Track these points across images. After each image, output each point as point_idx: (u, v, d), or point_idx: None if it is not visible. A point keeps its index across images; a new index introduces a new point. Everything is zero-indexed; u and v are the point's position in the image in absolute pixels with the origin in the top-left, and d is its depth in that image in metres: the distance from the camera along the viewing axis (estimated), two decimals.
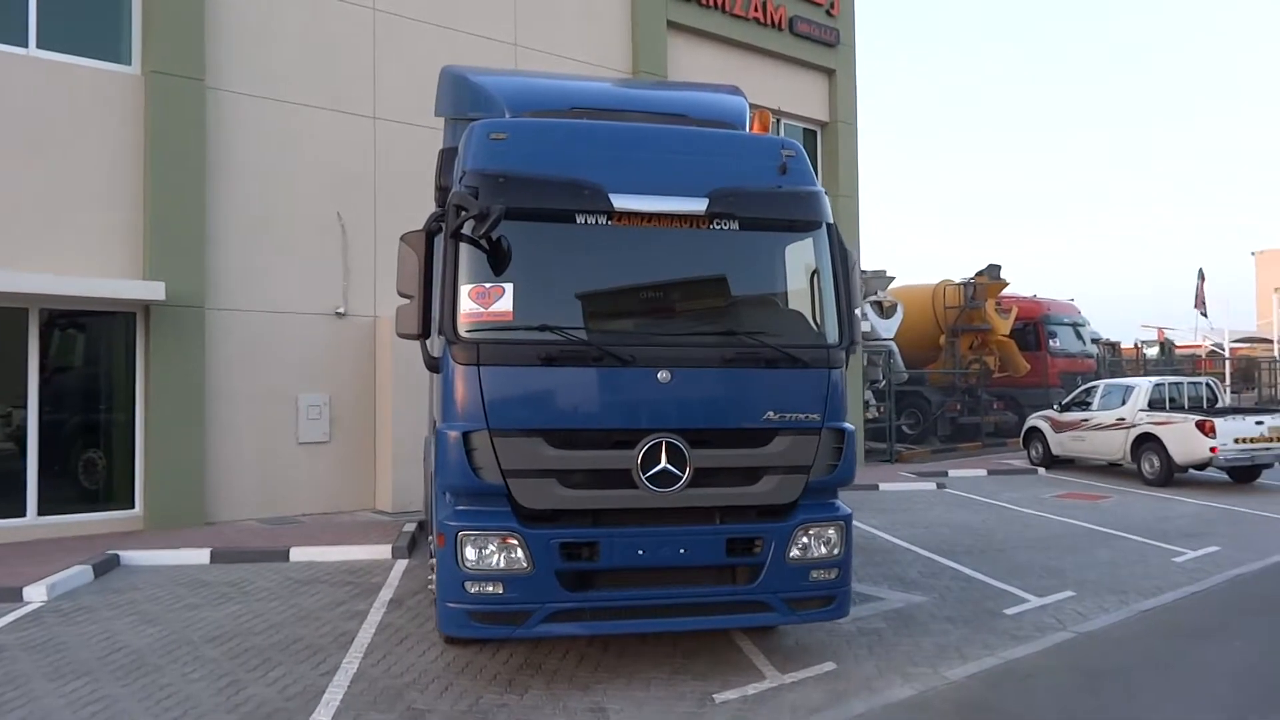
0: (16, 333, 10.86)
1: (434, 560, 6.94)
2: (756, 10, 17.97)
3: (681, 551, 5.99)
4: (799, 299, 6.59)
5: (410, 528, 11.31)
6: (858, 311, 6.76)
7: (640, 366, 5.89)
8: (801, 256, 6.54)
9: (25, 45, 10.95)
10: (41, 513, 10.95)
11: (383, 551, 10.33)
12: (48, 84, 10.99)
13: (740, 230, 6.27)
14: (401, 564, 9.95)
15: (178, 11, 11.66)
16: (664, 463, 5.89)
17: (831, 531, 6.28)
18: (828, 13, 19.41)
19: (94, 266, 11.12)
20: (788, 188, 6.44)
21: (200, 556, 10.03)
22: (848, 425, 6.36)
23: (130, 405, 11.55)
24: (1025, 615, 7.98)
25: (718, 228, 6.22)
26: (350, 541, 10.66)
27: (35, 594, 8.36)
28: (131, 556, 9.97)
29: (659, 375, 5.90)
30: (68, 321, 11.45)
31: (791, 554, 6.14)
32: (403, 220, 12.80)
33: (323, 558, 10.17)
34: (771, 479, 6.12)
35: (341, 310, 13.00)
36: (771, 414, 6.11)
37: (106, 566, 9.56)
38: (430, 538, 7.33)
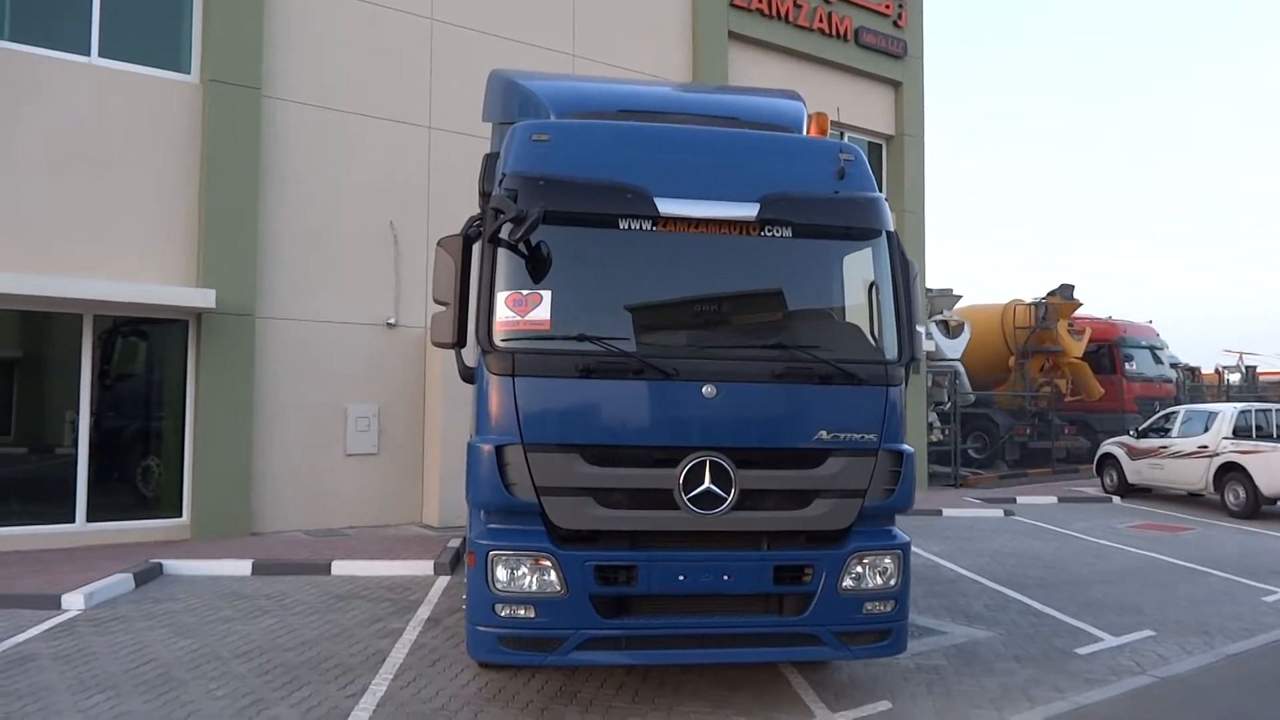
0: (71, 339, 10.91)
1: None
2: (821, 21, 17.58)
3: (725, 578, 5.61)
4: (856, 312, 6.19)
5: (455, 543, 11.08)
6: (919, 327, 6.33)
7: (684, 380, 5.54)
8: (859, 267, 6.13)
9: (88, 54, 11.06)
10: (90, 519, 10.96)
11: (425, 567, 10.11)
12: (108, 92, 11.08)
13: (794, 238, 5.89)
14: (443, 581, 9.71)
15: (237, 20, 11.70)
16: (708, 483, 5.52)
17: (888, 560, 5.84)
18: (895, 24, 18.93)
19: (147, 274, 11.15)
20: (845, 193, 6.05)
21: (242, 568, 9.91)
22: (906, 447, 5.92)
23: (181, 413, 11.54)
24: (1099, 656, 7.41)
25: (770, 235, 5.85)
26: (393, 556, 10.46)
27: (73, 602, 8.29)
28: (175, 566, 9.89)
29: (704, 390, 5.55)
30: (122, 329, 11.50)
31: (844, 584, 5.71)
32: (457, 231, 12.74)
33: (364, 572, 9.98)
34: (823, 503, 5.70)
35: (393, 321, 12.89)
36: (824, 434, 5.70)
37: (149, 575, 9.48)
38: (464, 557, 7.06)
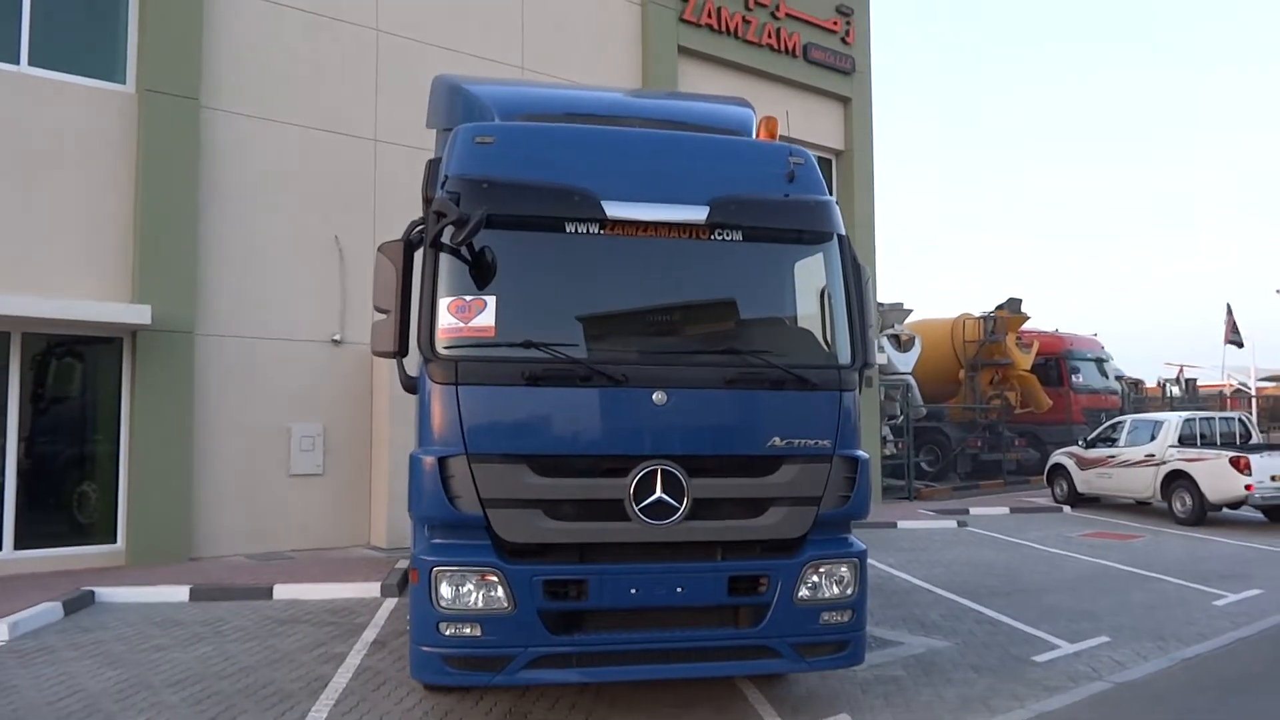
0: None
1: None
2: (770, 37, 17.65)
3: (679, 590, 5.44)
4: (808, 316, 6.09)
5: (403, 564, 10.76)
6: (872, 331, 6.24)
7: (634, 387, 5.38)
8: (811, 270, 6.04)
9: (17, 62, 10.67)
10: (19, 547, 10.49)
11: (371, 589, 9.79)
12: (39, 102, 10.70)
13: (744, 241, 5.79)
14: (391, 603, 9.41)
15: (174, 29, 11.39)
16: (659, 492, 5.36)
17: (844, 570, 5.72)
18: (843, 40, 19.08)
19: (80, 290, 10.75)
20: (795, 196, 5.96)
21: (179, 594, 9.52)
22: (861, 453, 5.81)
23: (115, 435, 11.12)
24: (1057, 663, 7.34)
25: (719, 238, 5.74)
26: (339, 578, 10.13)
27: None
28: (108, 593, 9.47)
29: (654, 396, 5.40)
30: (53, 348, 11.07)
31: (800, 594, 5.58)
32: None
33: (308, 595, 9.63)
34: (778, 511, 5.57)
35: (338, 337, 12.58)
36: (778, 440, 5.57)
37: (79, 604, 9.06)
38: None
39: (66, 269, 10.74)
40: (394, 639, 7.95)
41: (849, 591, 5.71)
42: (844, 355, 5.85)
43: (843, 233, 6.08)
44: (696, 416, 5.51)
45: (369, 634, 8.13)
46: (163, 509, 11.04)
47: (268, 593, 9.62)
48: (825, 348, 5.90)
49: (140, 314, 10.61)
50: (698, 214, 5.65)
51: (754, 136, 6.91)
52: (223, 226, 11.77)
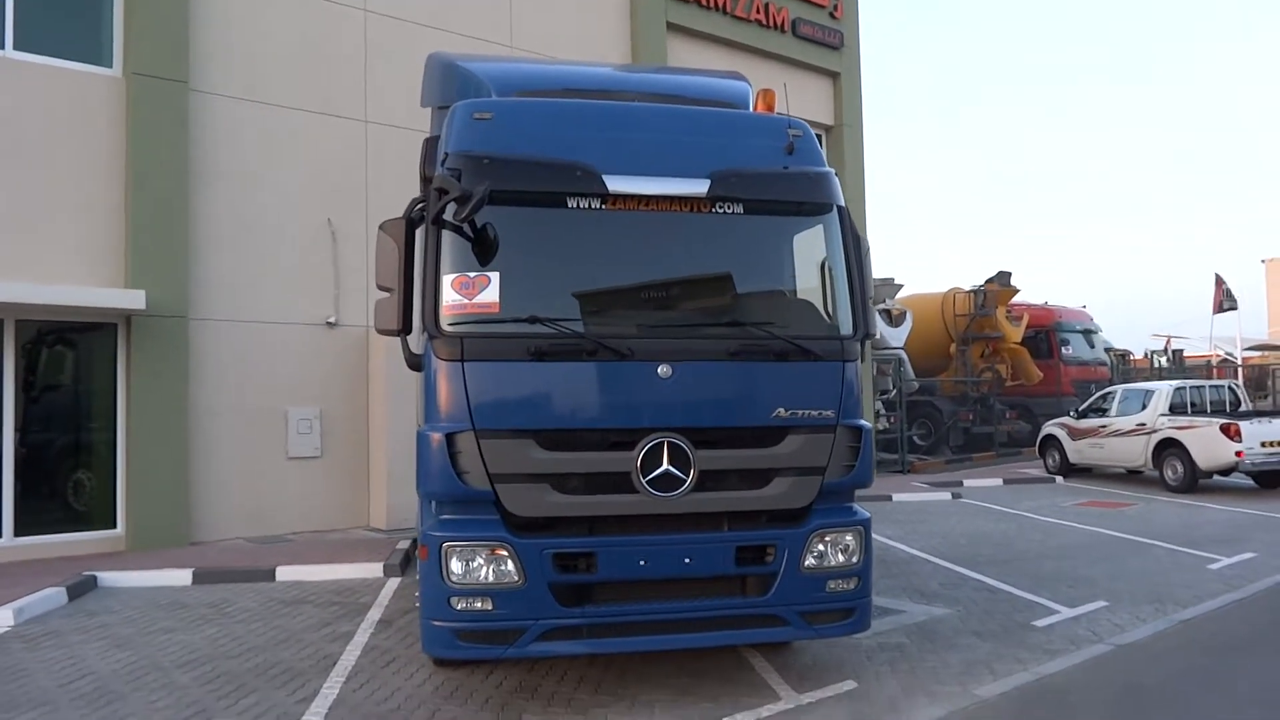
0: None
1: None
2: (759, 12, 17.59)
3: (687, 561, 5.49)
4: (809, 288, 6.12)
5: (404, 545, 10.81)
6: (872, 302, 6.28)
7: (639, 360, 5.41)
8: (811, 242, 6.07)
9: (1, 47, 10.56)
10: (19, 534, 10.48)
11: (374, 570, 9.83)
12: (24, 86, 10.59)
13: (745, 214, 5.81)
14: (394, 582, 9.45)
15: (161, 11, 11.27)
16: (666, 465, 5.40)
17: (849, 538, 5.78)
18: (831, 15, 19.02)
19: (73, 275, 10.68)
20: (795, 168, 5.99)
21: (182, 577, 9.54)
22: (864, 423, 5.87)
23: (111, 420, 11.08)
24: (1057, 627, 7.45)
25: (720, 211, 5.76)
26: (340, 560, 10.16)
27: (2, 618, 7.86)
28: (110, 578, 9.48)
29: (659, 370, 5.43)
30: (47, 334, 11.02)
31: (806, 563, 5.64)
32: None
33: (310, 577, 9.66)
34: (783, 481, 5.62)
35: (333, 320, 12.55)
36: (782, 411, 5.62)
37: (82, 589, 9.07)
38: (417, 551, 6.85)
39: (58, 255, 10.67)
40: (399, 617, 7.99)
41: (854, 559, 5.77)
42: (846, 326, 5.89)
43: (842, 204, 6.11)
44: (701, 389, 5.54)
45: (374, 613, 8.17)
46: (161, 493, 11.03)
47: (270, 575, 9.65)
48: (827, 319, 5.94)
49: (135, 299, 10.56)
50: (699, 187, 5.67)
51: (751, 110, 6.91)
52: (214, 210, 11.71)
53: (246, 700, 5.93)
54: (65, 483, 11.06)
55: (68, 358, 11.40)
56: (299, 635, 7.49)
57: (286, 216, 12.24)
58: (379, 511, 12.53)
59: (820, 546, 5.69)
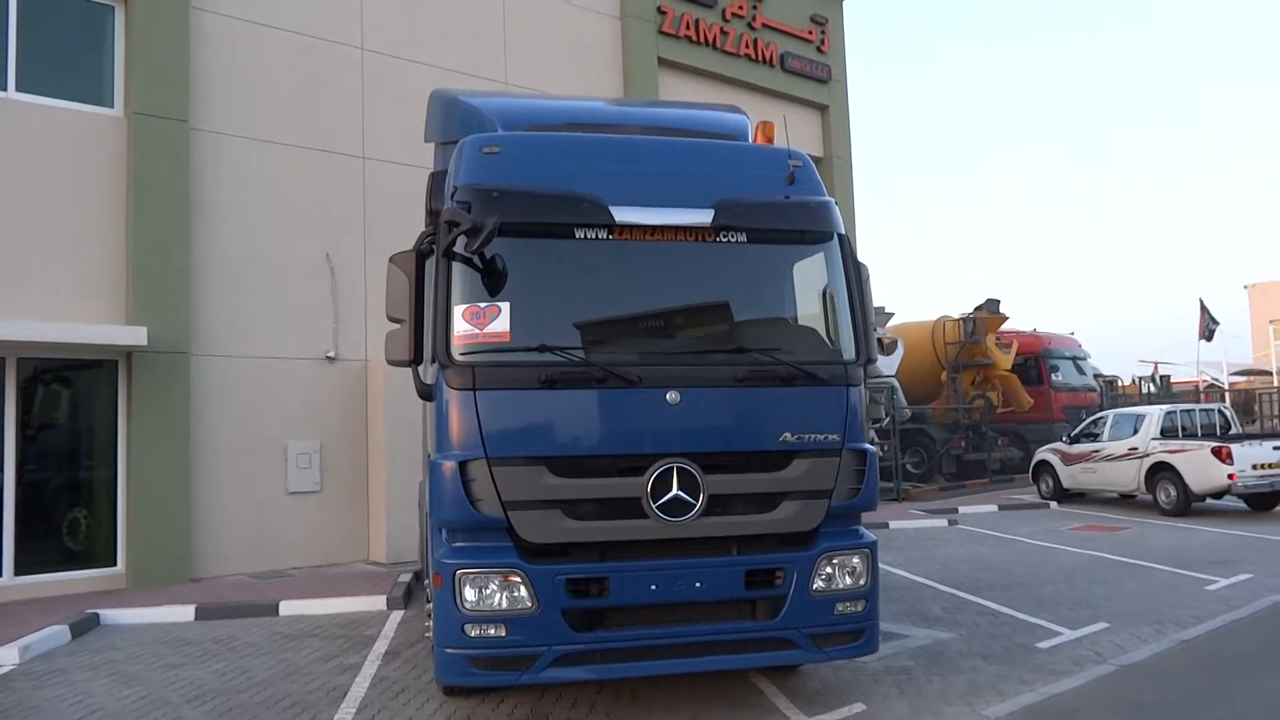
0: None
1: (430, 606, 6.51)
2: (748, 47, 17.90)
3: (697, 585, 5.56)
4: (812, 314, 6.25)
5: (406, 578, 10.81)
6: (873, 328, 6.40)
7: (648, 387, 5.51)
8: (813, 270, 6.20)
9: (4, 88, 10.68)
10: (19, 573, 10.43)
11: (377, 603, 9.83)
12: (27, 126, 10.70)
13: (748, 243, 5.94)
14: (397, 615, 9.44)
15: (161, 53, 11.42)
16: (676, 490, 5.48)
17: (856, 560, 5.86)
18: (818, 49, 19.37)
19: (74, 313, 10.72)
20: (796, 198, 6.13)
21: (184, 614, 9.52)
22: (869, 446, 5.97)
23: (112, 458, 11.08)
24: (1060, 649, 7.52)
25: (725, 240, 5.89)
26: (343, 593, 10.15)
27: (7, 656, 7.84)
28: (112, 615, 9.46)
29: (668, 396, 5.52)
30: (48, 372, 11.04)
31: (815, 585, 5.71)
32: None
33: (314, 610, 9.66)
34: (791, 505, 5.70)
35: (332, 354, 12.61)
36: (789, 435, 5.71)
37: (85, 626, 9.04)
38: (426, 581, 6.89)
39: (59, 293, 10.72)
40: (406, 649, 7.99)
41: (862, 582, 5.85)
42: (849, 351, 6.01)
43: (843, 232, 6.26)
44: (709, 414, 5.63)
45: (380, 645, 8.17)
46: (162, 530, 11.01)
47: (274, 609, 9.64)
48: (830, 344, 6.06)
49: (136, 335, 10.61)
50: (703, 217, 5.80)
51: (751, 141, 7.07)
52: (214, 247, 11.80)
53: None
54: (65, 520, 11.02)
55: (68, 395, 11.42)
56: (306, 668, 7.49)
57: (285, 252, 12.34)
58: (379, 545, 12.52)
59: (828, 569, 5.76)
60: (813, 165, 6.43)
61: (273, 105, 12.40)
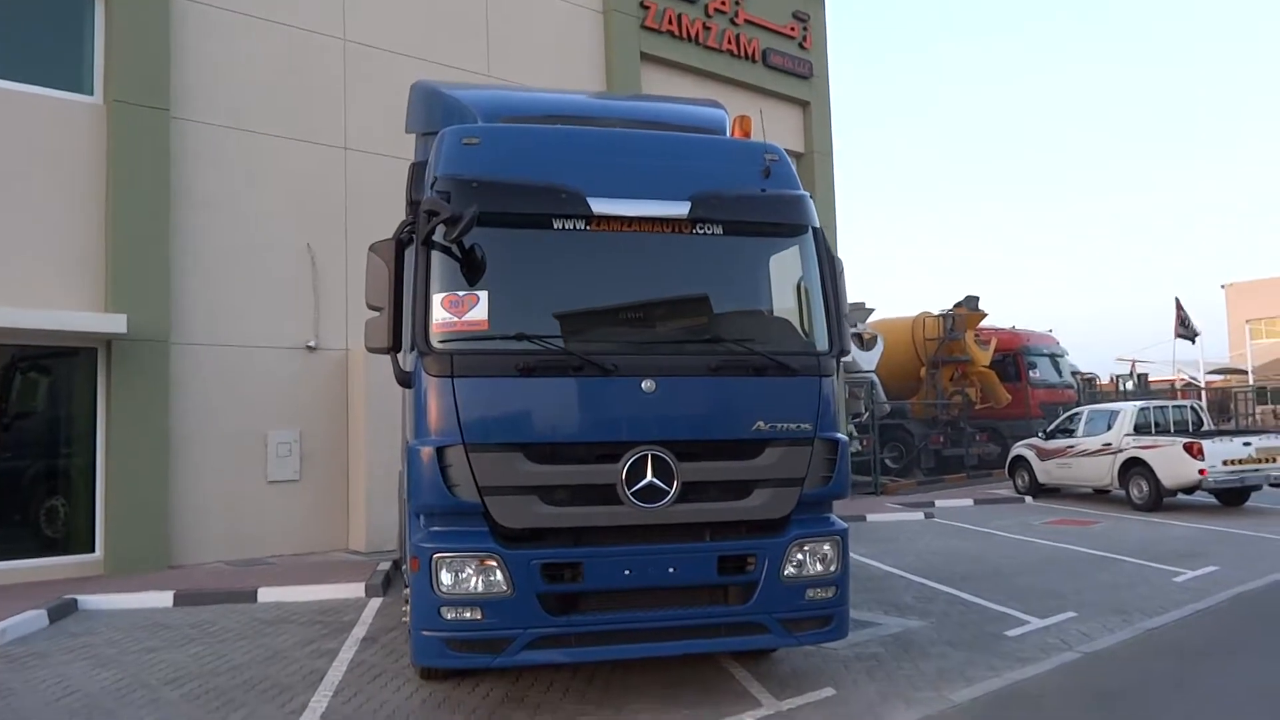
0: None
1: (407, 590, 6.58)
2: (730, 43, 17.99)
3: (670, 571, 5.66)
4: (787, 306, 6.35)
5: (385, 566, 10.87)
6: (846, 320, 6.51)
7: (623, 376, 5.60)
8: (788, 262, 6.31)
9: None
10: None
11: (355, 590, 9.88)
12: (5, 113, 10.64)
13: (724, 235, 6.04)
14: (376, 602, 9.50)
15: (142, 40, 11.40)
16: (650, 477, 5.58)
17: (827, 547, 5.97)
18: (800, 45, 19.48)
19: (53, 300, 10.70)
20: (772, 191, 6.23)
21: (163, 599, 9.55)
22: (841, 436, 6.08)
23: (91, 445, 11.06)
24: (1028, 637, 7.67)
25: (701, 232, 5.98)
26: (322, 581, 10.19)
27: None
28: (90, 601, 9.47)
29: (643, 385, 5.62)
30: (26, 359, 11.02)
31: (786, 572, 5.82)
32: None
33: (292, 598, 9.70)
34: (763, 492, 5.81)
35: (312, 344, 12.64)
36: (762, 424, 5.82)
37: (63, 611, 9.06)
38: (404, 567, 6.95)
39: (38, 280, 10.70)
40: (384, 635, 8.06)
41: (832, 568, 5.96)
42: (822, 343, 6.12)
43: (817, 226, 6.36)
44: (684, 403, 5.73)
45: (358, 630, 8.24)
46: (141, 517, 11.03)
47: (252, 596, 9.68)
48: (804, 335, 6.17)
49: (116, 323, 10.61)
50: (680, 209, 5.89)
51: (729, 135, 7.16)
52: (195, 235, 11.80)
53: (236, 715, 6.00)
54: (42, 507, 11.02)
55: (47, 382, 11.40)
56: (284, 653, 7.55)
57: (266, 241, 12.35)
58: (358, 534, 12.56)
59: (799, 556, 5.87)
60: (789, 159, 6.53)
61: (254, 94, 12.40)
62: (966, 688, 6.32)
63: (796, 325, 6.24)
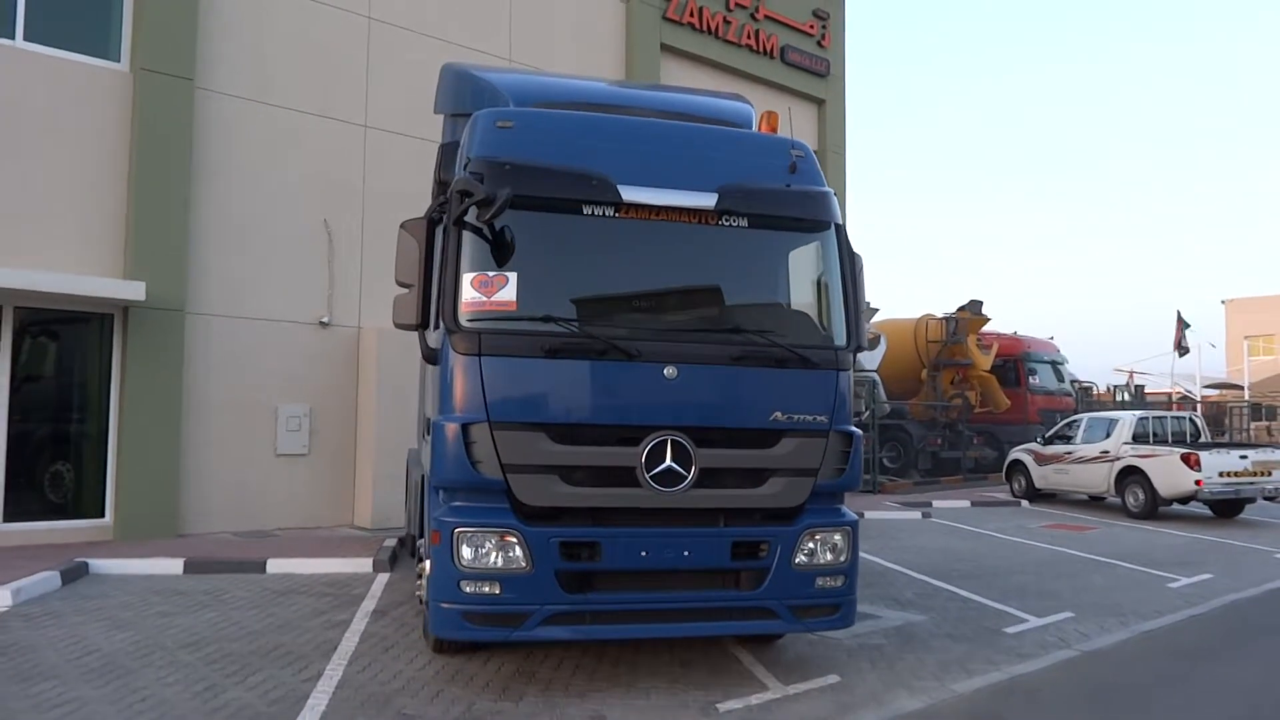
0: None
1: (421, 566, 6.71)
2: (749, 38, 18.06)
3: (685, 554, 5.79)
4: (806, 300, 6.48)
5: (391, 542, 10.99)
6: (864, 316, 6.63)
7: (646, 362, 5.71)
8: (809, 257, 6.43)
9: (12, 37, 10.71)
10: (8, 519, 10.54)
11: (363, 565, 10.01)
12: (33, 77, 10.74)
13: (749, 228, 6.14)
14: (383, 577, 9.63)
15: (170, 9, 11.47)
16: (669, 461, 5.70)
17: (838, 537, 6.10)
18: (819, 43, 19.56)
19: (72, 264, 10.80)
20: (797, 187, 6.33)
21: (173, 566, 9.67)
22: (855, 429, 6.21)
23: (104, 411, 11.18)
24: (1027, 634, 7.81)
25: (727, 224, 6.09)
26: (330, 554, 10.32)
27: (0, 598, 7.98)
28: (101, 565, 9.59)
29: (665, 371, 5.73)
30: (43, 323, 11.12)
31: (797, 559, 5.95)
32: (392, 231, 12.64)
33: (301, 569, 9.83)
34: (778, 481, 5.94)
35: (326, 320, 12.74)
36: (779, 415, 5.94)
37: (75, 574, 9.18)
38: (420, 542, 7.08)
39: (58, 244, 10.79)
40: (394, 609, 8.19)
41: (842, 558, 6.10)
42: (840, 337, 6.24)
43: (840, 222, 6.47)
44: (704, 391, 5.86)
45: (368, 604, 8.36)
46: (151, 485, 11.14)
47: (261, 566, 9.80)
48: (822, 330, 6.29)
49: (135, 290, 10.71)
50: (707, 200, 5.99)
51: (756, 129, 7.26)
52: (214, 207, 11.89)
53: (254, 678, 6.13)
54: (56, 470, 11.13)
55: (63, 346, 11.48)
56: (296, 623, 7.67)
57: (284, 216, 12.44)
58: (364, 510, 12.69)
59: (811, 544, 6.00)
60: (814, 156, 6.64)
61: (278, 68, 12.48)
62: (967, 679, 6.46)
63: (815, 319, 6.36)
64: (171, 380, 11.36)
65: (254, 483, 12.08)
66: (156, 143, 11.29)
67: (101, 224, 11.12)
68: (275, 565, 9.85)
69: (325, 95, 12.86)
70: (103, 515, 11.12)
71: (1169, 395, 42.53)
